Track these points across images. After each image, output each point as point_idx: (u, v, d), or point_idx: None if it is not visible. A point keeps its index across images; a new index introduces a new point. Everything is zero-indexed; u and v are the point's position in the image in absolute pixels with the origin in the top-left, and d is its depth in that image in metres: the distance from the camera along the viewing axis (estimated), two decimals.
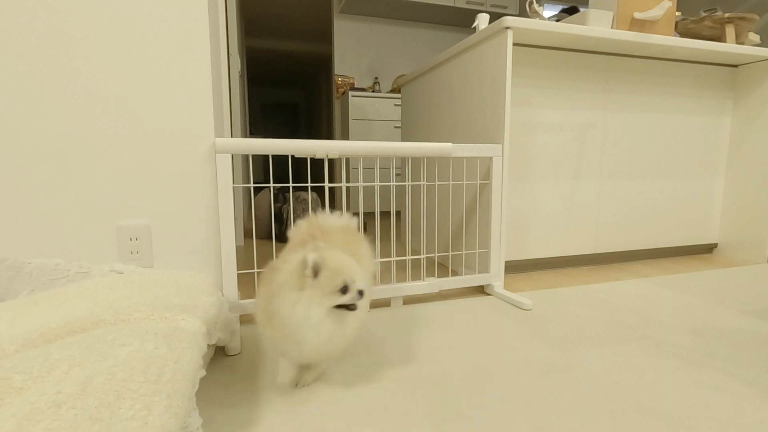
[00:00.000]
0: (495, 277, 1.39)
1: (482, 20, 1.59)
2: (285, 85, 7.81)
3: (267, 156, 7.29)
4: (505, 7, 3.54)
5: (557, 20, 1.70)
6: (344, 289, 0.73)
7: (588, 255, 1.78)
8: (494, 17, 3.52)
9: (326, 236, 0.87)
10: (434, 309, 1.25)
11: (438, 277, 1.37)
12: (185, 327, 0.72)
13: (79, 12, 0.97)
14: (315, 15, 4.48)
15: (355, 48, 3.56)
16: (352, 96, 3.12)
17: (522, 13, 3.74)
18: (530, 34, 1.41)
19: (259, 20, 4.64)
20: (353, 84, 3.49)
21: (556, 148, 1.62)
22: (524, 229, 1.62)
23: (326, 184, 1.15)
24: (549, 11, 3.68)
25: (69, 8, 0.96)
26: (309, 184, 1.13)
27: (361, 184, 1.22)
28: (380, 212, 3.31)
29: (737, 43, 1.80)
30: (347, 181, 3.25)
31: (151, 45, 1.01)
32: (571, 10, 1.74)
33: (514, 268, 1.66)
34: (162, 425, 0.49)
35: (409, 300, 1.33)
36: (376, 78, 3.55)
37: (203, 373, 0.72)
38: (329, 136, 5.21)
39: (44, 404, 0.48)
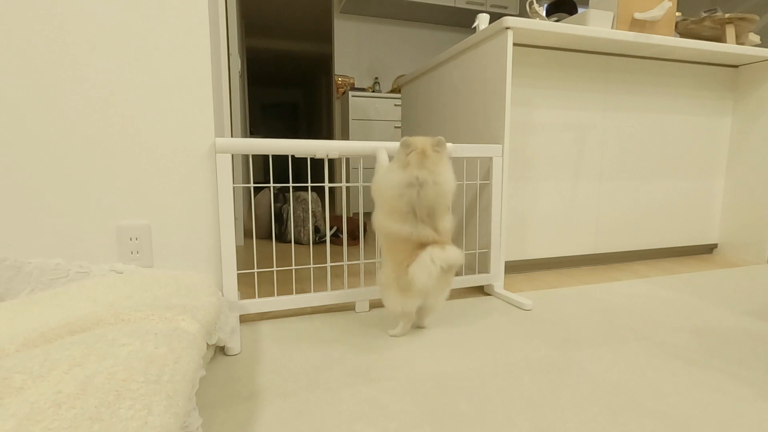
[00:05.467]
0: (495, 278, 1.39)
1: (482, 20, 1.59)
2: (285, 85, 7.82)
3: (267, 156, 7.28)
4: (505, 7, 3.54)
5: (553, 17, 1.70)
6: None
7: (588, 255, 1.78)
8: (494, 17, 3.52)
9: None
10: None
11: None
12: (185, 327, 0.72)
13: (80, 12, 0.97)
14: (315, 15, 4.48)
15: (355, 48, 3.56)
16: (352, 96, 3.12)
17: (522, 13, 3.74)
18: (530, 34, 1.41)
19: (259, 20, 4.64)
20: (353, 84, 3.49)
21: (556, 148, 1.62)
22: (524, 229, 1.62)
23: (326, 184, 1.15)
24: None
25: (70, 8, 0.96)
26: (309, 184, 1.13)
27: (361, 184, 1.22)
28: None
29: (737, 44, 1.80)
30: (347, 181, 3.25)
31: (151, 45, 1.01)
32: (558, 3, 1.73)
33: (514, 268, 1.66)
34: (162, 425, 0.49)
35: None
36: (376, 78, 3.55)
37: (203, 373, 0.73)
38: (329, 136, 5.21)
39: (44, 404, 0.48)
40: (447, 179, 0.97)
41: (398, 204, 0.95)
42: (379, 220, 1.00)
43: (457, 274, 1.59)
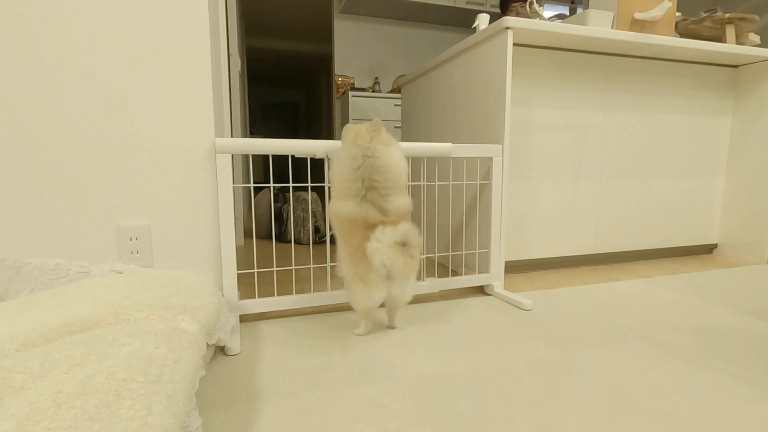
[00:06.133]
0: (495, 278, 1.39)
1: (482, 20, 1.59)
2: (285, 85, 7.82)
3: (267, 156, 7.27)
4: None
5: (553, 18, 1.70)
6: None
7: (588, 255, 1.78)
8: (494, 17, 3.52)
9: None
10: (434, 309, 1.25)
11: (438, 277, 1.37)
12: (185, 327, 0.72)
13: (80, 12, 0.97)
14: (315, 15, 4.48)
15: (355, 48, 3.56)
16: (352, 96, 3.12)
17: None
18: (530, 34, 1.41)
19: (259, 20, 4.64)
20: (353, 84, 3.49)
21: (556, 148, 1.62)
22: (524, 229, 1.62)
23: (326, 184, 1.15)
24: (549, 11, 3.68)
25: (70, 8, 0.96)
26: (309, 184, 1.14)
27: None
28: None
29: (737, 44, 1.80)
30: None
31: (152, 45, 1.01)
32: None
33: (514, 268, 1.66)
34: (162, 425, 0.49)
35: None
36: (376, 78, 3.55)
37: (203, 373, 0.73)
38: (329, 136, 5.21)
39: (44, 404, 0.48)
40: (385, 154, 0.97)
41: (345, 183, 0.97)
42: (331, 205, 1.01)
43: (456, 273, 1.59)
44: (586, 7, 3.79)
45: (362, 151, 0.97)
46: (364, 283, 0.96)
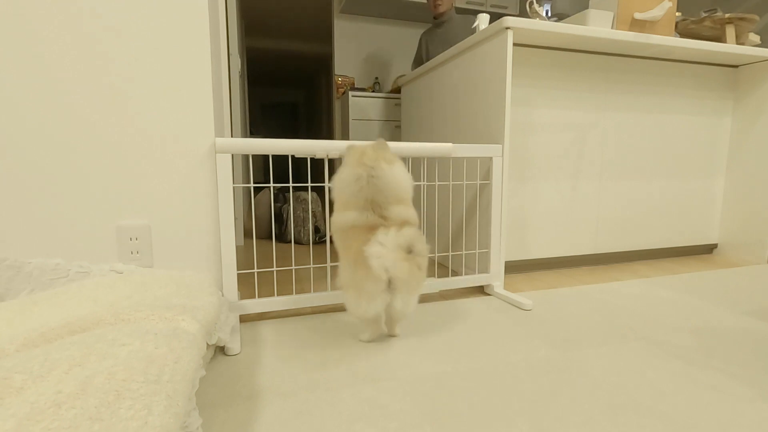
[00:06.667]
0: (495, 278, 1.39)
1: (482, 20, 1.59)
2: (285, 85, 7.82)
3: (267, 156, 7.26)
4: (505, 8, 3.54)
5: (552, 18, 1.70)
6: None
7: (588, 255, 1.78)
8: (494, 17, 3.52)
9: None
10: (434, 309, 1.25)
11: (438, 277, 1.37)
12: (185, 327, 0.72)
13: (80, 12, 0.96)
14: (315, 15, 4.48)
15: (355, 48, 3.56)
16: (352, 96, 3.12)
17: (522, 14, 3.74)
18: (530, 34, 1.41)
19: (259, 20, 4.64)
20: (353, 84, 3.49)
21: (556, 148, 1.62)
22: (524, 229, 1.62)
23: (326, 184, 1.15)
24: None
25: (70, 9, 0.96)
26: (309, 184, 1.14)
27: None
28: None
29: (737, 44, 1.80)
30: None
31: (152, 45, 1.01)
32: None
33: (514, 268, 1.66)
34: (162, 425, 0.49)
35: None
36: (376, 78, 3.55)
37: (203, 373, 0.73)
38: (329, 136, 5.21)
39: (44, 404, 0.48)
40: (389, 172, 0.97)
41: (344, 196, 0.97)
42: (332, 218, 1.00)
43: (456, 273, 1.59)
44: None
45: (366, 171, 0.95)
46: (360, 291, 0.90)
